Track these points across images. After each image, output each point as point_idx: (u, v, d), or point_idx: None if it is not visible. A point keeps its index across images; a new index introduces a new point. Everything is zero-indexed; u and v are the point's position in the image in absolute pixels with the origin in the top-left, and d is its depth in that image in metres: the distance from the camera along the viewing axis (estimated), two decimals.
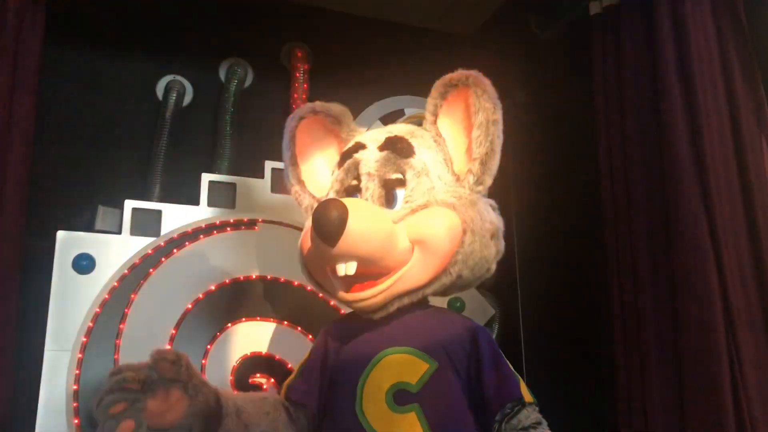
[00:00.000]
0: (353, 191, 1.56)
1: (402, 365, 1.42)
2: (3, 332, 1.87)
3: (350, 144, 1.63)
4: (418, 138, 1.58)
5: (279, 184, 2.18)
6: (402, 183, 1.53)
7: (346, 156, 1.60)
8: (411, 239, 1.46)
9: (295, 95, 2.55)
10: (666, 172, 1.89)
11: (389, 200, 1.53)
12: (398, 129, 1.64)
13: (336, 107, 1.72)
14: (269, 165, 2.24)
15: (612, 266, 2.06)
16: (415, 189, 1.51)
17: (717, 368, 1.70)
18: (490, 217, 1.50)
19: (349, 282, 1.45)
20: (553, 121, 2.60)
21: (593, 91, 2.24)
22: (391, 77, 2.68)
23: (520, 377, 1.44)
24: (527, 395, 1.40)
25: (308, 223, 1.51)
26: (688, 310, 1.78)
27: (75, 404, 1.88)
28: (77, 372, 1.89)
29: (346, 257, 1.40)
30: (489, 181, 1.54)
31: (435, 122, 1.61)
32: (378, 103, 2.63)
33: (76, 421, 1.87)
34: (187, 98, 2.47)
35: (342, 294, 1.46)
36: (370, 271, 1.43)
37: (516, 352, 2.33)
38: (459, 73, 1.60)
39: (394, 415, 1.38)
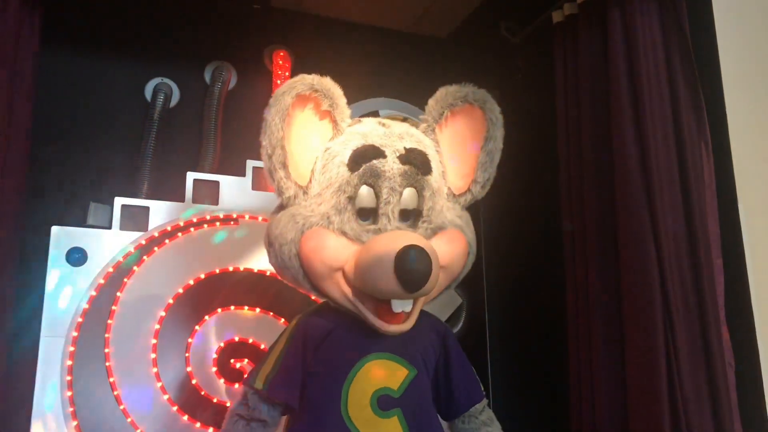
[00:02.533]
0: (366, 199, 1.46)
1: (384, 372, 1.47)
2: (0, 320, 1.91)
3: (360, 143, 1.50)
4: (430, 151, 1.55)
5: (259, 182, 2.27)
6: (420, 201, 1.50)
7: (360, 158, 1.48)
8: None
9: None
10: (615, 172, 1.99)
11: (404, 215, 1.49)
12: (411, 137, 1.54)
13: (334, 87, 1.52)
14: (250, 164, 2.32)
15: (568, 262, 2.15)
16: (432, 209, 1.51)
17: (656, 363, 1.80)
18: (473, 234, 1.58)
19: (384, 313, 1.42)
20: (523, 121, 2.63)
21: (555, 93, 2.30)
22: (367, 79, 2.71)
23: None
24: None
25: (321, 235, 1.43)
26: (632, 302, 1.88)
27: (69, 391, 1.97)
28: (71, 358, 1.96)
29: (411, 299, 1.42)
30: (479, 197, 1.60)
31: (434, 130, 1.59)
32: (354, 104, 2.53)
33: (69, 393, 1.94)
34: (174, 100, 2.50)
35: (374, 320, 1.42)
36: (412, 309, 1.45)
37: (481, 337, 2.43)
38: (477, 91, 1.59)
39: (379, 420, 1.44)
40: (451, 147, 1.59)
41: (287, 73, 2.61)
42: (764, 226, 1.89)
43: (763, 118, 1.97)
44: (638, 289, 1.88)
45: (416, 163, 1.50)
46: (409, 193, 1.49)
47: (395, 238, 1.37)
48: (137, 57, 2.51)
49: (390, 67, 2.78)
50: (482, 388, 1.57)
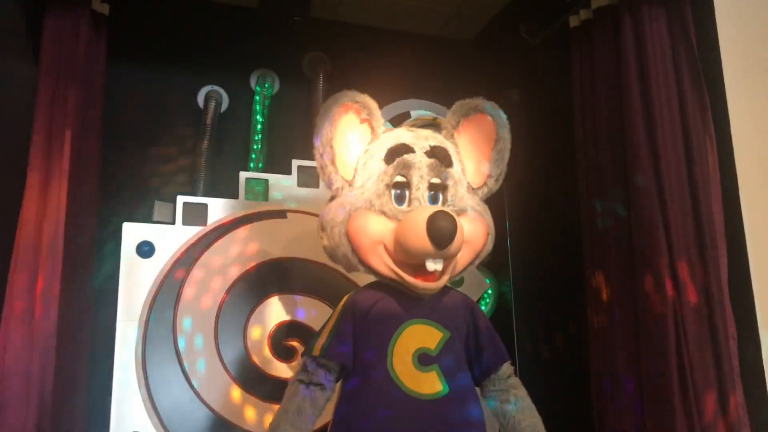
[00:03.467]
0: (402, 186, 1.74)
1: (424, 334, 1.71)
2: (82, 307, 2.14)
3: (394, 143, 1.78)
4: (451, 150, 1.83)
5: (304, 179, 2.47)
6: (444, 188, 1.77)
7: (394, 154, 1.75)
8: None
9: (316, 100, 2.70)
10: (627, 165, 2.17)
11: (433, 199, 1.76)
12: (435, 138, 1.83)
13: (371, 100, 1.82)
14: (295, 163, 2.50)
15: (586, 249, 2.33)
16: (454, 195, 1.79)
17: (666, 332, 1.99)
18: (491, 220, 1.84)
19: (419, 272, 1.67)
20: (543, 118, 2.81)
21: (572, 93, 2.45)
22: (398, 82, 2.84)
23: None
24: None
25: (365, 216, 1.70)
26: (642, 276, 2.07)
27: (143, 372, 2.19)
28: (144, 338, 2.18)
29: (441, 257, 1.65)
30: (494, 191, 1.89)
31: (452, 135, 1.88)
32: (387, 107, 2.78)
33: (144, 371, 2.16)
34: (224, 105, 2.69)
35: (412, 280, 1.67)
36: (443, 269, 1.69)
37: (507, 318, 2.60)
38: (486, 102, 1.90)
39: (420, 374, 1.67)
40: (468, 149, 1.89)
41: (324, 80, 2.76)
42: (762, 212, 2.08)
43: (761, 116, 2.15)
44: (650, 268, 2.06)
45: (440, 156, 1.78)
46: (434, 180, 1.77)
47: (426, 209, 1.66)
48: (189, 68, 2.71)
49: (419, 70, 2.94)
50: (507, 352, 1.80)
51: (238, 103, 2.73)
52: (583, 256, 2.35)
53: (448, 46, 3.06)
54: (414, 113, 2.84)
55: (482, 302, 2.59)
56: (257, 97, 2.71)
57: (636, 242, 2.13)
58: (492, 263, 2.66)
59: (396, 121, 2.79)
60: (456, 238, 1.62)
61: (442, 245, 1.61)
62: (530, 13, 2.83)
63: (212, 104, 2.65)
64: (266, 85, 2.74)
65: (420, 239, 1.61)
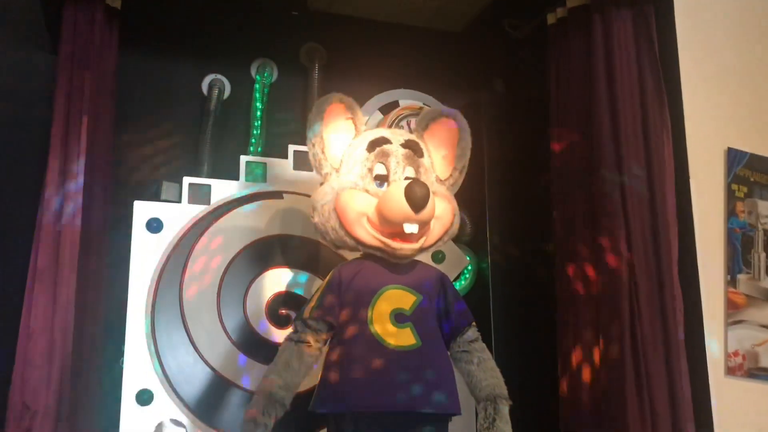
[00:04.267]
0: (380, 170, 2.03)
1: (399, 297, 1.97)
2: (97, 277, 2.30)
3: (375, 136, 2.08)
4: (422, 146, 2.13)
5: (299, 162, 2.58)
6: (417, 174, 2.06)
7: (375, 144, 2.04)
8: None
9: (312, 89, 2.90)
10: (593, 153, 2.38)
11: None
12: (409, 135, 2.15)
13: (354, 102, 2.13)
14: (292, 148, 2.60)
15: (557, 230, 2.54)
16: (426, 180, 2.04)
17: (621, 307, 2.23)
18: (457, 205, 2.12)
19: (398, 236, 1.94)
20: (525, 107, 2.98)
21: (549, 85, 2.65)
22: (389, 72, 3.01)
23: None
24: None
25: (351, 193, 1.97)
26: (604, 252, 2.29)
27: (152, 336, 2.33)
28: (152, 305, 2.34)
29: (418, 221, 1.91)
30: (458, 185, 2.17)
31: (422, 135, 2.17)
32: (377, 96, 2.97)
33: (153, 336, 2.31)
34: (226, 93, 2.84)
35: (396, 243, 1.94)
36: (419, 233, 1.95)
37: (485, 292, 2.76)
38: (448, 110, 2.22)
39: (396, 330, 1.92)
40: (436, 146, 2.17)
41: (320, 69, 2.93)
42: (708, 198, 2.32)
43: (712, 112, 2.39)
44: (611, 246, 2.28)
45: (413, 148, 2.08)
46: (409, 170, 2.05)
47: (403, 182, 1.94)
48: (194, 57, 2.84)
49: (409, 61, 3.09)
50: (472, 317, 2.06)
51: (240, 91, 2.88)
52: (554, 237, 2.56)
53: (437, 38, 3.19)
54: (402, 102, 3.00)
55: (462, 277, 2.76)
56: (257, 86, 2.86)
57: (599, 223, 2.35)
58: (472, 242, 2.86)
59: (386, 110, 2.96)
60: (429, 202, 1.89)
61: (418, 207, 1.87)
62: (513, 9, 2.98)
63: (215, 92, 2.81)
64: (266, 74, 2.89)
65: (399, 204, 1.88)
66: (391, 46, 3.07)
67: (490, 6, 3.05)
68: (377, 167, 2.03)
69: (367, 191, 2.01)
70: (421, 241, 1.99)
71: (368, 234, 1.98)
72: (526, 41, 3.02)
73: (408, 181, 1.93)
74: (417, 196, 1.86)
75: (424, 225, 1.96)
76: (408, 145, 2.08)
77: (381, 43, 3.08)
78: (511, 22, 3.06)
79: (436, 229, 2.03)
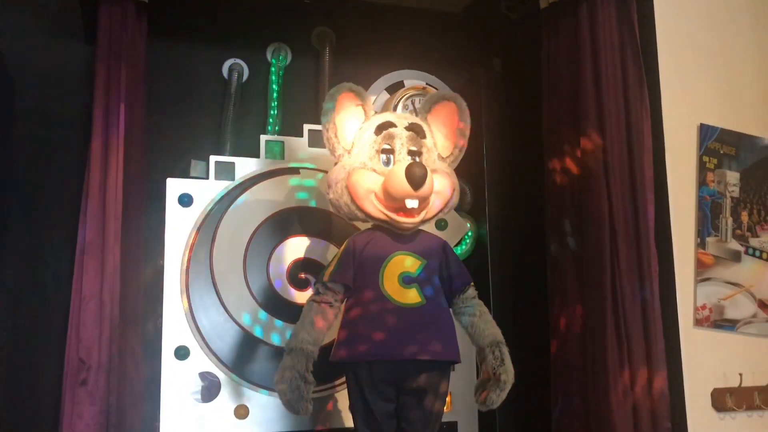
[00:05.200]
0: (387, 152, 2.23)
1: (406, 261, 2.21)
2: (137, 249, 2.48)
3: (382, 120, 2.27)
4: (425, 127, 2.34)
5: (314, 140, 2.75)
6: (420, 154, 2.26)
7: (382, 128, 2.24)
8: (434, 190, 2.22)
9: (323, 70, 3.04)
10: (579, 127, 2.58)
11: None
12: (413, 118, 2.35)
13: (363, 90, 2.33)
14: (306, 127, 2.76)
15: (548, 199, 2.74)
16: (428, 159, 2.28)
17: (604, 276, 2.46)
18: (457, 181, 2.35)
19: (401, 211, 2.16)
20: (521, 86, 3.09)
21: (542, 68, 2.81)
22: (394, 53, 3.14)
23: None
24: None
25: (360, 172, 2.18)
26: (588, 216, 2.51)
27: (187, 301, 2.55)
28: (186, 272, 2.55)
29: (417, 197, 2.12)
30: (458, 161, 2.39)
31: (425, 117, 2.37)
32: (384, 77, 3.10)
33: (187, 300, 2.52)
34: (245, 76, 2.98)
35: (399, 217, 2.17)
36: (419, 207, 2.18)
37: (483, 256, 2.95)
38: (450, 93, 2.47)
39: (403, 290, 2.15)
40: (438, 127, 2.38)
41: (330, 52, 3.07)
42: (682, 169, 2.55)
43: (686, 91, 2.60)
44: (594, 211, 2.50)
45: (416, 130, 2.29)
46: (412, 147, 2.26)
47: (405, 162, 2.16)
48: (215, 44, 2.98)
49: (412, 42, 3.20)
50: (471, 277, 2.31)
51: (257, 74, 3.02)
52: (545, 206, 2.76)
53: (438, 18, 3.31)
54: (407, 82, 3.14)
55: (463, 243, 2.96)
56: (273, 69, 3.00)
57: (584, 196, 2.57)
58: (472, 210, 3.04)
59: (392, 90, 3.10)
60: (426, 181, 2.12)
61: (417, 185, 2.10)
62: None
63: (235, 75, 2.96)
64: (280, 58, 3.04)
65: (401, 182, 2.11)
66: (396, 28, 3.20)
67: None
68: (384, 148, 2.27)
69: (374, 171, 2.23)
70: (422, 214, 2.23)
71: (376, 208, 2.22)
72: (522, 22, 3.15)
73: (408, 162, 2.17)
74: (416, 176, 2.10)
75: (423, 200, 2.19)
76: (411, 128, 2.30)
77: (386, 26, 3.21)
78: (508, 4, 3.20)
79: (436, 203, 2.27)
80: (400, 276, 2.19)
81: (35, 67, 2.79)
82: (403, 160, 2.23)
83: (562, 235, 2.66)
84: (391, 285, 2.17)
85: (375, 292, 2.17)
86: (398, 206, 2.19)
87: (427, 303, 2.18)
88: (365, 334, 2.14)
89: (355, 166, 2.25)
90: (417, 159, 2.27)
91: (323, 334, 2.21)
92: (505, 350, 2.23)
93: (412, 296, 2.17)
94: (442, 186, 2.27)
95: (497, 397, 2.17)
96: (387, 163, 2.26)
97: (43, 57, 2.82)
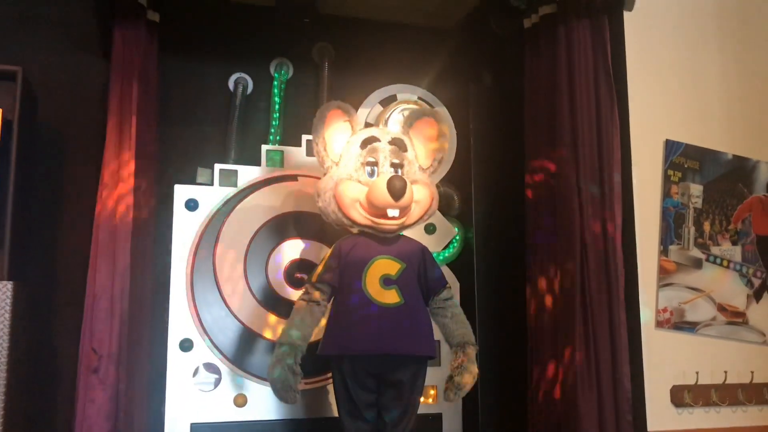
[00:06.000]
0: (372, 164, 2.38)
1: (387, 265, 2.39)
2: (146, 249, 2.66)
3: (367, 135, 2.42)
4: (407, 141, 2.48)
5: (311, 150, 2.78)
6: (402, 166, 2.42)
7: (367, 142, 2.40)
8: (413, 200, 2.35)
9: (322, 84, 3.20)
10: (555, 135, 2.76)
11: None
12: (396, 133, 2.50)
13: (350, 107, 2.48)
14: (304, 137, 2.90)
15: (528, 206, 2.91)
16: (409, 171, 2.46)
17: (574, 254, 2.63)
18: (436, 191, 2.51)
19: (385, 217, 2.32)
20: (509, 99, 3.21)
21: (524, 83, 2.99)
22: (389, 68, 3.27)
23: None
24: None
25: (346, 183, 2.34)
26: (563, 219, 2.67)
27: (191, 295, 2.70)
28: (191, 271, 2.72)
29: (397, 207, 2.29)
30: (442, 173, 2.56)
31: (408, 132, 2.53)
32: (377, 90, 3.21)
33: (192, 297, 2.68)
34: (249, 89, 3.14)
35: (379, 221, 2.33)
36: (400, 215, 2.33)
37: (470, 258, 3.06)
38: (430, 109, 2.68)
39: (384, 291, 2.31)
40: (420, 141, 2.54)
41: (329, 66, 3.23)
42: (648, 181, 2.73)
43: (654, 108, 2.78)
44: (568, 215, 2.68)
45: (399, 144, 2.47)
46: (394, 160, 2.42)
47: (387, 175, 2.33)
48: (221, 59, 3.15)
49: (406, 57, 3.35)
50: (446, 281, 2.48)
51: (260, 87, 3.18)
52: (526, 218, 2.93)
53: (431, 35, 3.45)
54: (400, 96, 3.27)
55: (451, 246, 3.09)
56: (275, 82, 3.17)
57: (557, 198, 2.75)
58: (460, 215, 3.17)
59: (385, 103, 3.23)
60: (406, 192, 2.30)
61: (397, 197, 2.29)
62: (498, 10, 3.23)
63: (240, 88, 3.12)
64: (282, 72, 3.20)
65: (383, 194, 2.30)
66: (391, 44, 3.36)
67: (479, 6, 3.33)
68: (368, 161, 2.40)
69: (359, 182, 2.41)
70: (402, 220, 2.41)
71: (360, 216, 2.40)
72: (510, 40, 3.28)
73: (390, 175, 2.35)
74: (396, 188, 2.28)
75: (404, 209, 2.37)
76: (394, 142, 2.48)
77: (382, 41, 3.36)
78: (496, 22, 3.34)
79: (416, 211, 2.44)
80: (381, 278, 2.36)
81: (55, 80, 2.99)
82: (385, 173, 2.41)
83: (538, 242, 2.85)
84: (372, 286, 2.35)
85: (358, 292, 2.34)
86: (380, 214, 2.37)
87: (405, 303, 2.35)
88: (349, 330, 2.33)
89: (342, 177, 2.42)
90: (399, 171, 2.44)
91: (311, 330, 2.39)
92: (471, 351, 2.39)
93: (391, 297, 2.35)
94: (421, 196, 2.45)
95: (454, 396, 2.35)
96: (371, 174, 2.43)
97: (61, 71, 3.02)
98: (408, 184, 2.33)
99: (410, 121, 2.58)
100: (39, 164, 2.91)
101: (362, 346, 2.31)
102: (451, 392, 2.34)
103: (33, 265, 2.84)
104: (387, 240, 2.45)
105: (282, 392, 2.28)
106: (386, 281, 2.36)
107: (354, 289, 2.35)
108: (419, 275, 2.44)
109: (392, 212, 2.34)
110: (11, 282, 2.51)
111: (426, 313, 2.45)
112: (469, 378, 2.34)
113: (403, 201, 2.32)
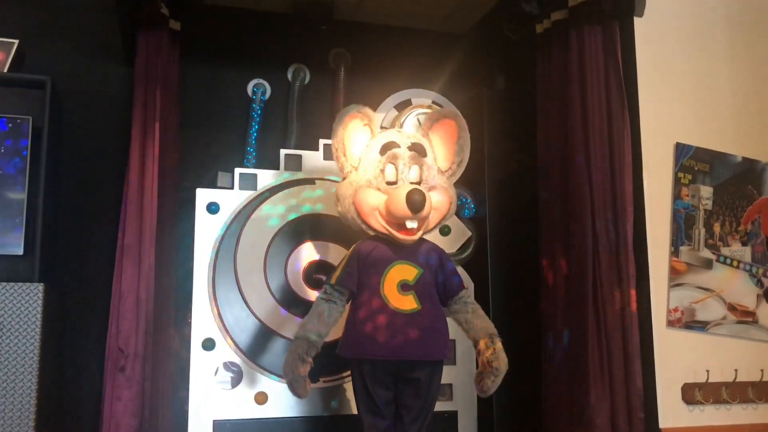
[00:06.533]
0: (390, 168, 2.37)
1: (405, 270, 2.37)
2: (170, 251, 2.74)
3: (386, 140, 2.41)
4: (426, 145, 2.47)
5: (329, 154, 2.81)
6: (421, 171, 2.41)
7: (386, 148, 2.39)
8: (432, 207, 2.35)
9: (338, 89, 3.28)
10: (568, 137, 2.82)
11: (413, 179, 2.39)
12: (415, 137, 2.49)
13: (370, 111, 2.48)
14: (322, 141, 2.92)
15: (541, 208, 2.97)
16: (428, 176, 2.42)
17: (585, 248, 2.70)
18: (455, 193, 2.54)
19: (402, 229, 2.33)
20: (521, 102, 3.25)
21: (537, 87, 3.04)
22: (404, 72, 3.36)
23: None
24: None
25: (366, 191, 2.36)
26: (576, 223, 2.73)
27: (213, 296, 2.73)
28: (213, 272, 2.75)
29: (416, 219, 2.30)
30: (459, 174, 2.55)
31: (427, 134, 2.53)
32: (393, 95, 3.31)
33: (214, 297, 2.71)
34: (267, 94, 3.22)
35: (397, 234, 2.34)
36: (418, 226, 2.34)
37: (483, 259, 3.11)
38: (449, 110, 2.63)
39: (401, 296, 2.33)
40: (438, 143, 2.56)
41: (345, 72, 3.32)
42: (659, 184, 2.76)
43: (664, 111, 2.82)
44: (580, 219, 2.72)
45: (418, 149, 2.44)
46: (414, 168, 2.41)
47: (406, 187, 2.34)
48: (240, 65, 3.24)
49: (420, 62, 3.42)
50: (463, 283, 2.50)
51: (278, 92, 3.26)
52: (539, 223, 2.99)
53: (445, 40, 3.52)
54: (415, 100, 3.33)
55: (465, 247, 3.13)
56: (293, 87, 3.25)
57: (570, 201, 2.79)
58: (474, 218, 3.23)
59: (400, 107, 3.29)
60: (425, 206, 2.31)
61: (416, 211, 2.30)
62: (511, 15, 3.32)
63: (259, 94, 3.21)
64: (300, 77, 3.28)
65: (401, 207, 2.31)
66: (405, 49, 3.43)
67: (492, 11, 3.40)
68: (388, 168, 2.39)
69: (378, 189, 2.38)
70: (420, 232, 2.42)
71: (379, 224, 2.39)
72: (523, 44, 3.35)
73: (410, 188, 2.30)
74: (416, 202, 2.28)
75: (422, 221, 2.39)
76: (413, 147, 2.45)
77: (396, 47, 3.44)
78: (509, 27, 3.41)
79: (435, 217, 2.46)
80: (399, 284, 2.39)
81: (81, 87, 3.11)
82: (405, 182, 2.41)
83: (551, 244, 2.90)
84: (390, 291, 2.38)
85: (376, 297, 2.37)
86: (399, 224, 2.39)
87: (422, 309, 2.38)
88: (367, 336, 2.36)
89: (362, 184, 2.43)
90: (418, 174, 2.44)
91: (328, 328, 2.43)
92: (498, 341, 2.40)
93: (409, 302, 2.37)
94: (440, 202, 2.46)
95: (492, 383, 2.35)
96: (391, 183, 2.40)
97: (87, 78, 3.13)
98: (427, 196, 2.34)
99: (430, 123, 2.56)
100: (66, 169, 3.01)
101: (380, 352, 2.35)
102: (489, 379, 2.34)
103: (61, 267, 2.94)
104: (405, 245, 2.46)
105: (293, 382, 2.33)
106: (404, 287, 2.40)
107: (373, 294, 2.38)
108: (437, 279, 2.47)
109: (411, 224, 2.37)
110: (42, 284, 2.60)
111: (442, 317, 2.47)
112: (503, 364, 2.36)
113: (422, 214, 2.34)
